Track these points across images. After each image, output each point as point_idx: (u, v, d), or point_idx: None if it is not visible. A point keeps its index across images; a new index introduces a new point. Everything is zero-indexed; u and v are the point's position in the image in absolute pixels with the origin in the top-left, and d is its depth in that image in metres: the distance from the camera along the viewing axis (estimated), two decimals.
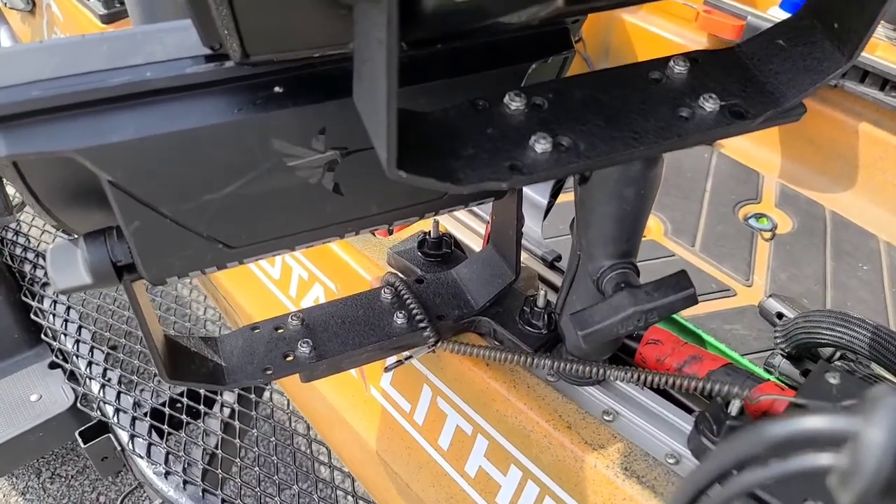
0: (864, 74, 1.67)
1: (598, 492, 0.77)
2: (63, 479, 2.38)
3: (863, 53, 1.70)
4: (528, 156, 0.56)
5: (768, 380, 0.86)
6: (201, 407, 1.65)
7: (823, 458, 0.32)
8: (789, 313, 1.29)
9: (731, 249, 1.59)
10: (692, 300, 0.67)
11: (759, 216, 1.69)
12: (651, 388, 0.81)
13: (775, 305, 1.33)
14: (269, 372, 0.80)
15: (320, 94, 0.61)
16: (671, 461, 0.77)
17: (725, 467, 0.36)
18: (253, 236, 0.68)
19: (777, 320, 1.31)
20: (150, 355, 0.73)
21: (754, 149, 1.89)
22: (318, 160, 0.65)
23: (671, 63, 0.63)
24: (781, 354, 1.14)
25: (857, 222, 1.71)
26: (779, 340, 1.13)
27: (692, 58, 0.64)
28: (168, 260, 0.65)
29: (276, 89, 0.59)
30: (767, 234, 1.62)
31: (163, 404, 1.66)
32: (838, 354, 1.14)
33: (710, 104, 0.61)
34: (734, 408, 0.73)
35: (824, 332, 1.05)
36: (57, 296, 1.89)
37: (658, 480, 0.75)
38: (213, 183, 0.62)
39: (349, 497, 1.46)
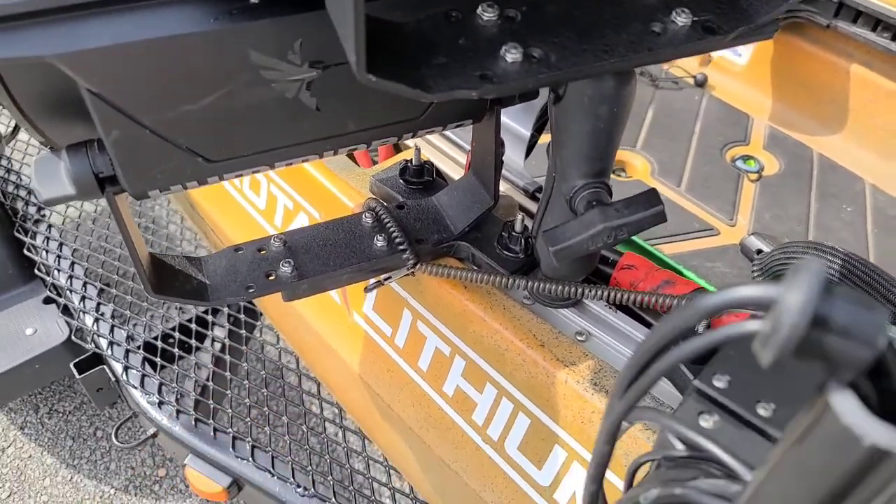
0: (857, 15, 1.66)
1: (569, 406, 0.80)
2: (60, 415, 2.44)
3: None
4: (499, 66, 0.57)
5: None
6: (193, 341, 1.69)
7: (750, 325, 0.34)
8: (769, 250, 1.32)
9: (717, 190, 1.60)
10: (661, 217, 0.69)
11: (746, 158, 1.70)
12: (621, 308, 0.83)
13: (756, 243, 1.35)
14: (251, 290, 0.82)
15: (297, 6, 0.61)
16: None
17: (666, 339, 0.38)
18: (232, 150, 0.69)
19: (756, 256, 1.34)
20: (136, 270, 0.75)
21: (745, 91, 1.89)
22: (294, 74, 0.65)
23: None
24: None
25: (844, 165, 1.72)
26: (756, 273, 1.16)
27: None
28: (149, 172, 0.67)
29: (253, 0, 0.60)
30: (754, 176, 1.63)
31: (155, 338, 1.69)
32: None
33: (682, 18, 0.61)
34: (701, 326, 0.76)
35: (798, 261, 1.07)
36: (50, 231, 1.90)
37: None
38: (191, 93, 0.63)
39: (337, 428, 1.51)
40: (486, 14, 0.59)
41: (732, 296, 0.35)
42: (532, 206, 1.07)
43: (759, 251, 1.33)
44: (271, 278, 0.84)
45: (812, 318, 0.31)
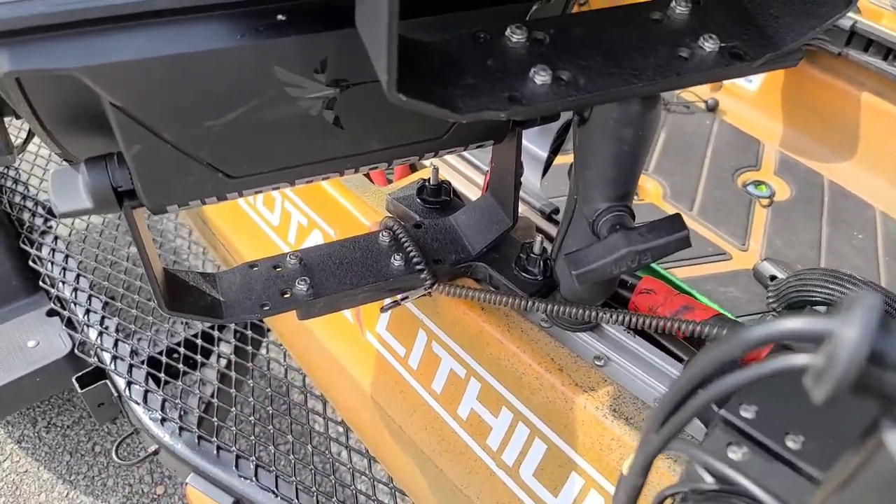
0: (868, 43, 1.66)
1: (587, 432, 0.78)
2: (59, 429, 2.41)
3: (867, 22, 1.68)
4: (528, 87, 0.56)
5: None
6: (198, 357, 1.67)
7: (800, 359, 0.33)
8: (782, 276, 1.31)
9: (729, 214, 1.60)
10: (685, 242, 0.68)
11: (757, 183, 1.69)
12: (641, 333, 0.82)
13: (769, 268, 1.34)
14: (266, 307, 0.81)
15: (323, 24, 0.61)
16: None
17: (707, 371, 0.37)
18: (253, 167, 0.68)
19: (770, 283, 1.32)
20: (150, 285, 0.74)
21: (756, 116, 1.89)
22: (319, 91, 0.65)
23: (673, 3, 0.63)
24: (774, 315, 1.15)
25: (855, 192, 1.71)
26: (771, 300, 1.15)
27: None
28: (168, 187, 0.66)
29: (280, 17, 0.60)
30: (765, 201, 1.63)
31: (160, 353, 1.68)
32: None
33: (709, 44, 0.61)
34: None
35: (815, 289, 1.06)
36: (55, 243, 1.90)
37: (646, 422, 0.76)
38: (215, 109, 0.62)
39: (342, 448, 1.49)
40: (515, 36, 0.59)
41: (780, 328, 0.34)
42: (549, 228, 1.06)
43: (773, 277, 1.32)
44: (286, 296, 0.83)
45: (869, 354, 0.30)
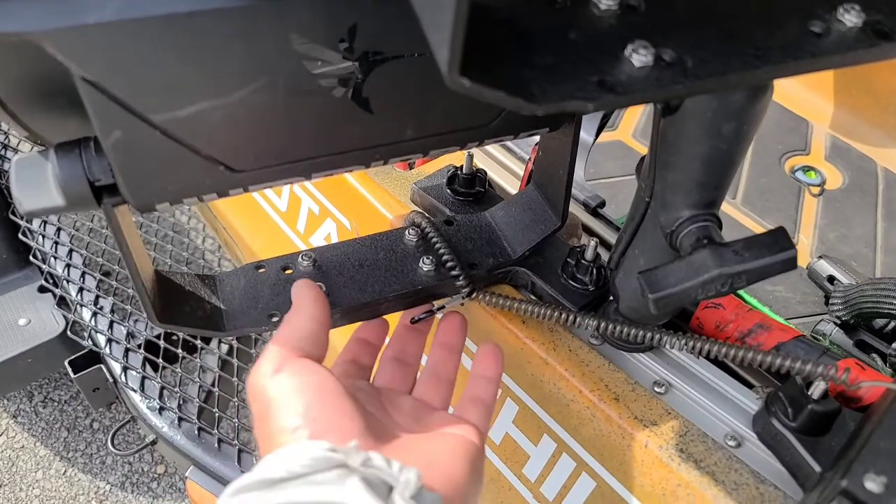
0: None
1: (648, 473, 0.67)
2: (56, 404, 2.33)
3: None
4: (623, 70, 0.43)
5: (843, 356, 0.75)
6: (198, 342, 1.56)
7: None
8: (843, 278, 1.18)
9: (776, 204, 1.46)
10: (791, 263, 0.55)
11: (806, 169, 1.56)
12: (713, 360, 0.70)
13: (826, 268, 1.21)
14: (275, 319, 0.69)
15: None
16: (732, 443, 0.67)
17: None
18: (262, 159, 0.55)
19: (828, 284, 1.20)
20: (138, 295, 0.62)
21: (804, 95, 1.74)
22: (346, 66, 0.52)
23: None
24: (834, 322, 1.03)
25: None
26: (837, 308, 1.03)
27: None
28: (157, 182, 0.53)
29: None
30: (816, 189, 1.50)
31: (157, 336, 1.57)
32: (893, 326, 1.03)
33: (850, 17, 0.48)
34: (817, 390, 0.62)
35: (893, 301, 0.94)
36: (47, 215, 1.77)
37: (718, 466, 0.65)
38: (215, 87, 0.49)
39: None
40: (605, 2, 0.45)
41: None
42: (594, 225, 0.93)
43: (832, 278, 1.20)
44: None
45: None
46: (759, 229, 1.44)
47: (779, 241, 0.55)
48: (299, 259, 0.74)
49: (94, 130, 0.51)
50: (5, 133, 1.91)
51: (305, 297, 0.61)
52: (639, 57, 0.43)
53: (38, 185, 0.52)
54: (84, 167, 0.52)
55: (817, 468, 0.58)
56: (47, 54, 0.43)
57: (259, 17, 0.46)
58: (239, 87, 0.50)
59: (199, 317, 0.68)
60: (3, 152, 1.91)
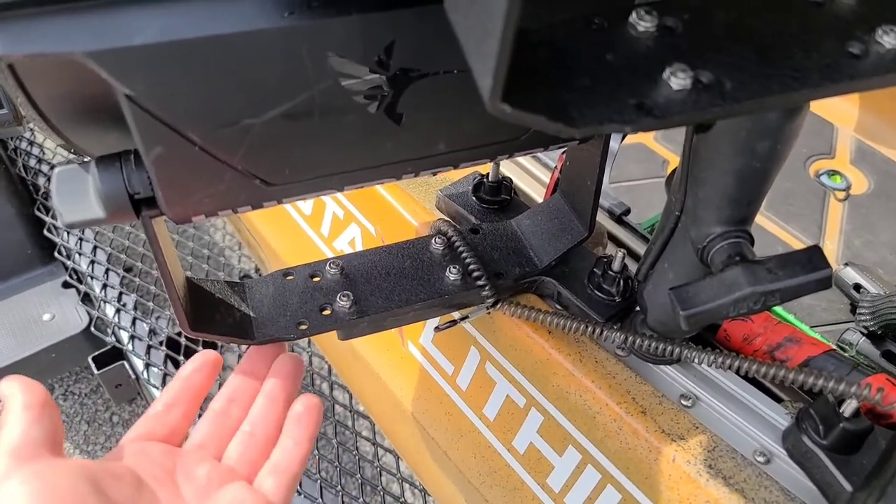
0: None
1: (675, 489, 0.67)
2: (76, 397, 2.36)
3: None
4: (661, 93, 0.43)
5: (874, 372, 0.75)
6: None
7: None
8: (870, 286, 1.17)
9: (801, 208, 1.45)
10: (825, 283, 0.55)
11: (831, 173, 1.54)
12: (744, 376, 0.70)
13: (853, 275, 1.20)
14: (303, 327, 0.70)
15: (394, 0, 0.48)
16: (761, 460, 0.67)
17: None
18: (297, 172, 0.56)
19: (854, 292, 1.19)
20: (171, 303, 0.63)
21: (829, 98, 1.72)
22: (381, 83, 0.52)
23: None
24: (861, 332, 1.02)
25: None
26: (865, 317, 1.02)
27: None
28: (195, 196, 0.54)
29: None
30: (841, 194, 1.48)
31: (178, 333, 1.59)
32: None
33: (889, 39, 0.47)
34: (848, 408, 0.62)
35: None
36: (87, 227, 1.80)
37: (748, 483, 0.65)
38: (254, 104, 0.50)
39: (370, 444, 1.40)
40: (642, 23, 0.45)
41: None
42: (619, 233, 0.93)
43: (858, 286, 1.19)
44: (326, 313, 0.71)
45: None
46: (782, 234, 1.43)
47: (813, 259, 0.55)
48: (327, 267, 0.75)
49: (132, 144, 0.52)
50: (40, 146, 1.93)
51: (9, 390, 0.52)
52: (677, 80, 0.43)
53: (80, 198, 0.53)
54: (125, 180, 0.53)
55: (849, 487, 0.58)
56: (91, 72, 0.44)
57: (298, 38, 0.47)
58: (277, 105, 0.50)
59: (229, 324, 0.69)
60: (28, 149, 1.93)
